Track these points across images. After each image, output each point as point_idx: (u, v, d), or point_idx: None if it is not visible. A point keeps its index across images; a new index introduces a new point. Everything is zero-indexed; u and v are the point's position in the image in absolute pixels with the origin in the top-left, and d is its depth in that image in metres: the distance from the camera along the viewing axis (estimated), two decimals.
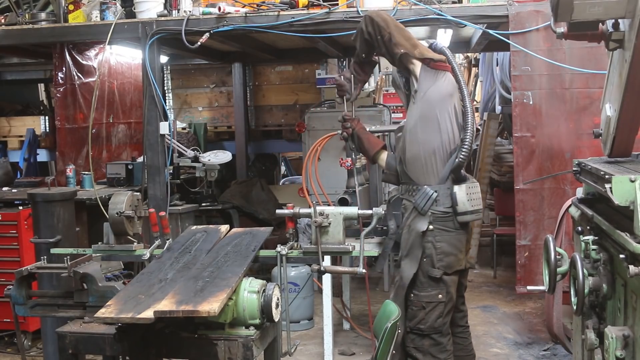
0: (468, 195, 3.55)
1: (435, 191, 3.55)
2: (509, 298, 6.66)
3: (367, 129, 4.12)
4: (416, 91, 3.63)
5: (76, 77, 6.39)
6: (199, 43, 5.24)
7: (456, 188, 3.54)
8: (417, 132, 3.60)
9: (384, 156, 3.92)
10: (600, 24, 2.91)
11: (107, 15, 5.61)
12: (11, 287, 3.14)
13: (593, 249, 2.85)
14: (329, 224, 3.19)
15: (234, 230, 3.62)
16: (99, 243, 3.61)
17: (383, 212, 3.29)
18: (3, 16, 6.22)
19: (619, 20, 2.83)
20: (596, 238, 2.88)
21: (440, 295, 3.55)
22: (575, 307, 2.91)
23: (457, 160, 3.54)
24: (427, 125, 3.58)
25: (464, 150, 3.53)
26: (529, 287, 4.27)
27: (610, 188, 2.48)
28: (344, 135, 3.91)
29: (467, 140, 3.54)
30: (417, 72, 3.63)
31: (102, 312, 2.63)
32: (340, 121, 3.94)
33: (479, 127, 8.29)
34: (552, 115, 5.07)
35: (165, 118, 5.51)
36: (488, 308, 6.42)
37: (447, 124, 3.59)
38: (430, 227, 3.53)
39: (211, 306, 2.58)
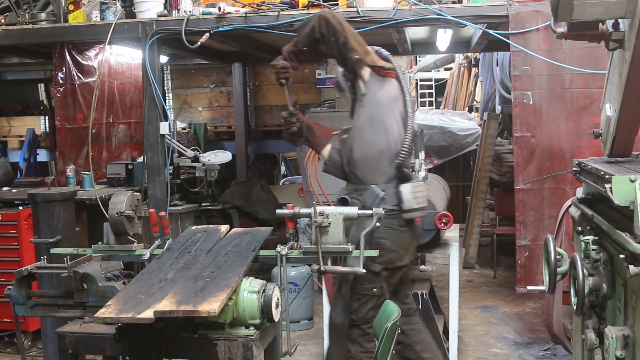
0: (413, 194, 3.75)
1: (383, 190, 3.77)
2: (509, 298, 6.66)
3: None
4: (364, 95, 3.79)
5: (76, 77, 6.39)
6: (199, 43, 5.24)
7: (402, 187, 3.75)
8: (365, 133, 3.79)
9: (328, 148, 4.03)
10: (600, 24, 2.91)
11: (107, 15, 5.62)
12: (11, 287, 3.14)
13: (593, 249, 2.86)
14: (329, 224, 3.18)
15: (234, 230, 3.62)
16: (99, 243, 3.60)
17: (383, 211, 3.30)
18: (3, 16, 6.22)
19: (619, 20, 2.83)
20: (596, 238, 2.88)
21: (375, 289, 3.75)
22: (575, 307, 2.91)
23: (396, 161, 3.78)
24: (374, 127, 3.78)
25: (403, 151, 3.77)
26: (529, 287, 4.26)
27: (610, 188, 2.48)
28: (293, 130, 3.95)
29: (407, 142, 3.78)
30: (365, 77, 3.79)
31: (102, 312, 2.62)
32: (285, 117, 3.98)
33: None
34: (552, 115, 5.07)
35: (165, 118, 5.51)
36: (488, 308, 6.42)
37: (393, 127, 3.80)
38: (377, 224, 3.58)
39: (211, 306, 2.58)
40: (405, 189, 3.73)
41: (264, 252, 3.33)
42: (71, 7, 5.81)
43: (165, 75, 8.34)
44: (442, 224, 4.37)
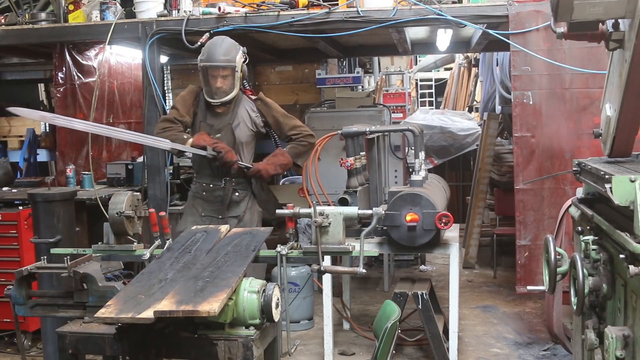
0: None
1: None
2: (509, 298, 6.66)
3: (366, 129, 4.60)
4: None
5: (76, 77, 6.38)
6: (199, 43, 5.23)
7: None
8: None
9: None
10: (600, 24, 2.91)
11: (107, 15, 5.61)
12: (11, 287, 3.14)
13: (593, 249, 2.85)
14: (329, 224, 3.18)
15: (234, 230, 3.62)
16: (99, 243, 3.60)
17: (383, 212, 3.31)
18: (3, 16, 6.21)
19: (619, 20, 2.83)
20: (596, 238, 2.88)
21: None
22: (575, 307, 2.91)
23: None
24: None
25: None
26: (529, 287, 4.26)
27: (610, 188, 2.48)
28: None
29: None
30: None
31: (102, 312, 2.62)
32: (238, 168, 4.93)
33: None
34: (552, 115, 5.07)
35: None
36: (488, 308, 6.42)
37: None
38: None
39: (211, 306, 2.58)
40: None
41: (264, 252, 3.33)
42: (71, 7, 5.80)
43: (165, 75, 8.34)
44: (442, 224, 4.37)
